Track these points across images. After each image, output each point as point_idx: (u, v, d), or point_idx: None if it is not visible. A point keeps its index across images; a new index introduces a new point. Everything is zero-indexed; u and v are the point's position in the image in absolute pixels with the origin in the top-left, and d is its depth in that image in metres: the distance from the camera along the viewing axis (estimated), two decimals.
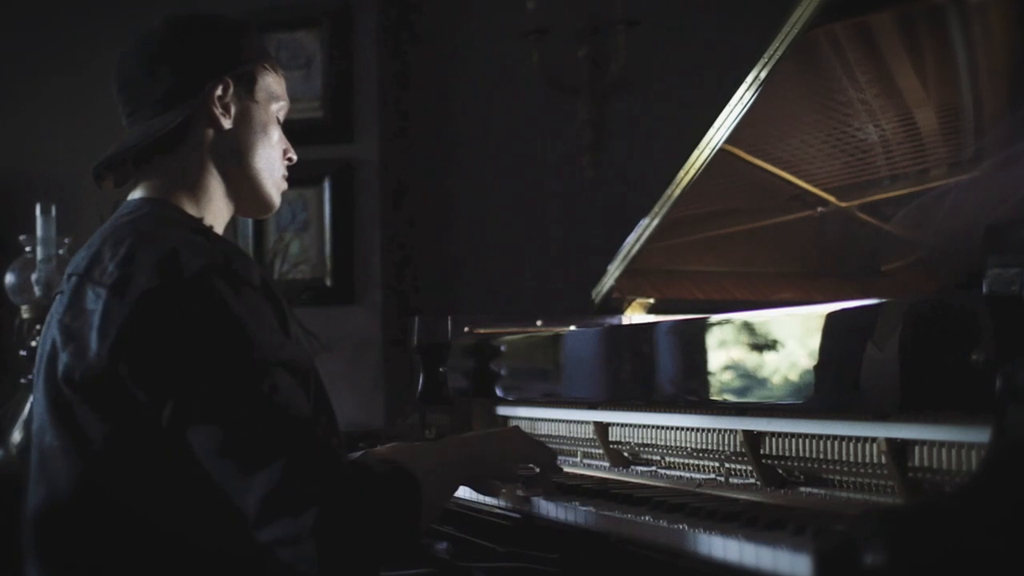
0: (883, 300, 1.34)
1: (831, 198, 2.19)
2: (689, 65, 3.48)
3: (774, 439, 1.55)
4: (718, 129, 2.06)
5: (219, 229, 1.68)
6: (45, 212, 3.13)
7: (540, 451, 1.75)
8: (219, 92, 1.65)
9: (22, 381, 3.07)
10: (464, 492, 1.75)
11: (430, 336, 2.36)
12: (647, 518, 1.45)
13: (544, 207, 3.71)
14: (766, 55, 1.90)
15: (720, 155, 2.10)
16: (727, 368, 1.56)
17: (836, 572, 1.06)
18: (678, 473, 1.78)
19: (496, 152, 3.79)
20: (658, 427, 1.78)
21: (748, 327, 1.53)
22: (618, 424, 1.88)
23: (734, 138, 2.07)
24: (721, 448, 1.66)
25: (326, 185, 3.77)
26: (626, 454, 1.91)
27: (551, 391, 2.04)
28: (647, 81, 3.59)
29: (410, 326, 2.40)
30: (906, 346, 1.28)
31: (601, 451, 1.93)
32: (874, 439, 1.39)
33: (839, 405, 1.42)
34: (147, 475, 1.46)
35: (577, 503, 1.60)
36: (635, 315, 2.46)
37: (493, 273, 3.72)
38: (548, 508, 1.64)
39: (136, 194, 1.66)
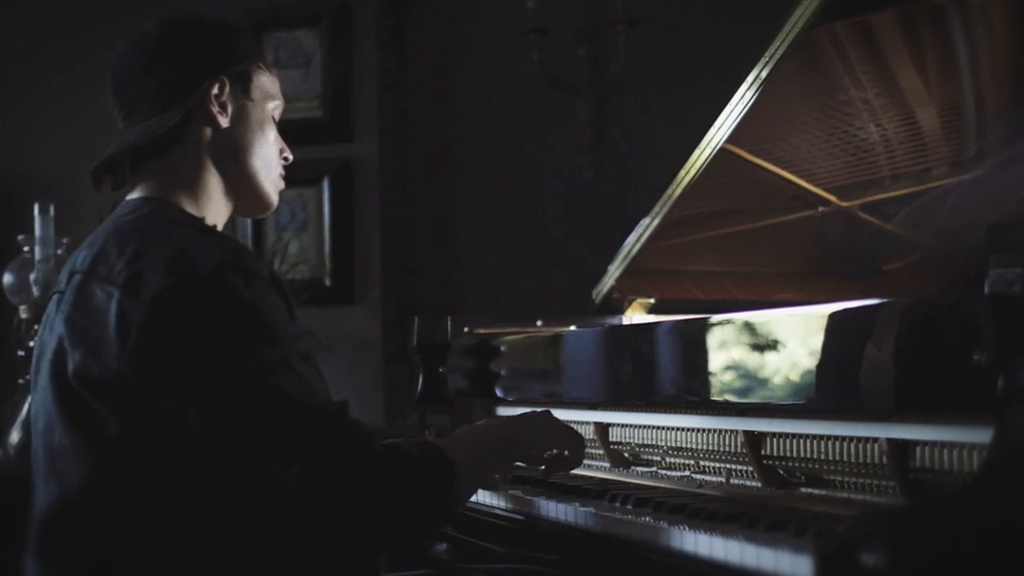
0: (884, 300, 1.34)
1: (832, 198, 2.19)
2: (689, 64, 3.47)
3: (775, 439, 1.55)
4: (719, 128, 2.05)
5: (219, 229, 1.68)
6: (43, 212, 3.12)
7: (572, 437, 1.76)
8: (216, 91, 1.66)
9: (20, 381, 3.07)
10: None
11: (430, 336, 2.35)
12: (647, 519, 1.45)
13: (544, 207, 3.71)
14: (767, 54, 1.90)
15: (721, 154, 2.10)
16: (728, 368, 1.56)
17: (837, 573, 1.06)
18: (679, 474, 1.77)
19: (496, 152, 3.79)
20: (658, 428, 1.78)
21: (749, 327, 1.53)
22: (618, 424, 1.88)
23: (735, 137, 2.06)
24: (722, 449, 1.65)
25: (325, 184, 3.76)
26: (626, 455, 1.90)
27: (551, 391, 2.04)
28: (647, 80, 3.59)
29: (410, 326, 2.40)
30: (907, 346, 1.28)
31: (601, 451, 1.92)
32: (875, 440, 1.38)
33: (840, 405, 1.42)
34: (160, 474, 1.47)
35: (577, 504, 1.59)
36: (635, 315, 2.46)
37: (493, 273, 3.72)
38: (548, 509, 1.64)
39: (135, 194, 1.67)
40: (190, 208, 1.65)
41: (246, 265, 1.50)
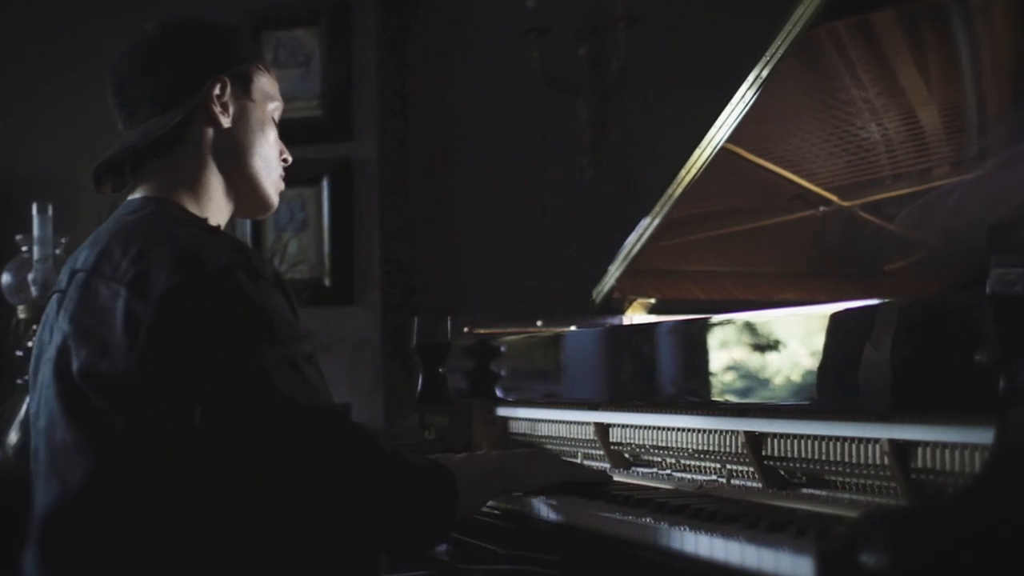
0: (886, 300, 1.33)
1: (833, 197, 2.18)
2: (690, 64, 3.47)
3: (776, 440, 1.54)
4: (719, 128, 2.05)
5: (221, 229, 1.68)
6: (42, 212, 3.12)
7: (575, 474, 1.76)
8: (217, 91, 1.67)
9: (19, 382, 3.06)
10: None
11: (430, 336, 2.35)
12: (648, 520, 1.44)
13: (544, 207, 3.71)
14: (768, 53, 1.90)
15: (721, 154, 2.09)
16: (729, 369, 1.56)
17: (838, 574, 1.05)
18: (679, 474, 1.77)
19: (496, 151, 3.79)
20: (659, 428, 1.77)
21: (750, 327, 1.52)
22: (619, 425, 1.87)
23: (736, 137, 2.06)
24: (723, 449, 1.65)
25: (324, 184, 3.76)
26: (627, 455, 1.90)
27: (551, 392, 2.04)
28: (648, 80, 3.59)
29: (409, 326, 2.40)
30: (908, 346, 1.28)
31: (602, 452, 1.92)
32: (876, 440, 1.38)
33: (841, 406, 1.41)
34: (162, 472, 1.47)
35: (578, 505, 1.59)
36: (636, 315, 2.46)
37: (493, 273, 3.71)
38: (548, 510, 1.64)
39: (137, 194, 1.68)
40: (192, 208, 1.66)
41: (252, 265, 1.50)
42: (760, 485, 1.59)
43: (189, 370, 1.45)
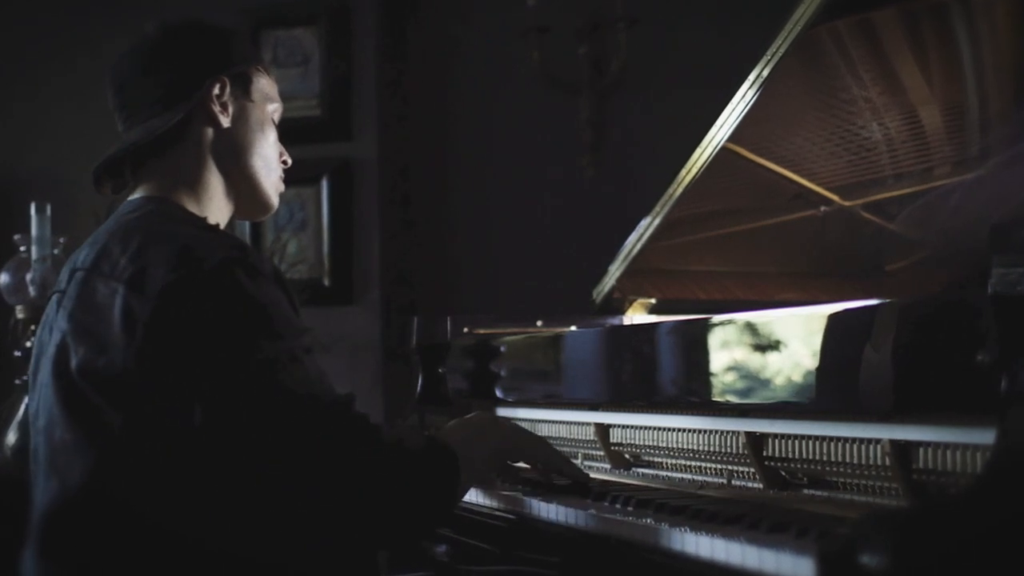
0: (886, 300, 1.33)
1: (834, 197, 2.18)
2: (690, 63, 3.46)
3: (777, 441, 1.54)
4: (720, 127, 2.05)
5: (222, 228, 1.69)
6: (40, 211, 3.11)
7: (556, 461, 1.77)
8: (217, 91, 1.68)
9: (17, 382, 3.05)
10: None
11: (429, 336, 2.35)
12: (649, 520, 1.44)
13: (544, 206, 3.70)
14: (768, 53, 1.90)
15: (722, 154, 2.09)
16: (729, 369, 1.55)
17: (839, 575, 1.05)
18: (680, 475, 1.76)
19: (496, 151, 3.78)
20: (660, 429, 1.77)
21: (751, 328, 1.52)
22: (619, 426, 1.87)
23: (736, 136, 2.06)
24: (723, 450, 1.65)
25: (324, 184, 3.76)
26: (627, 456, 1.89)
27: (551, 392, 2.03)
28: (648, 79, 3.58)
29: (409, 326, 2.39)
30: (909, 347, 1.27)
31: (602, 453, 1.92)
32: (878, 441, 1.37)
33: (842, 406, 1.41)
34: (161, 470, 1.47)
35: (578, 505, 1.59)
36: (636, 315, 2.45)
37: (493, 273, 3.71)
38: (548, 511, 1.63)
39: (137, 194, 1.69)
40: (192, 208, 1.67)
41: (250, 261, 1.51)
42: (761, 486, 1.58)
43: (187, 366, 1.45)
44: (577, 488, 1.70)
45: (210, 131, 1.68)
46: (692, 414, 1.70)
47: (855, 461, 1.41)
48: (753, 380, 1.52)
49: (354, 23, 3.78)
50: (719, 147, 2.08)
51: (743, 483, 1.63)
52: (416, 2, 3.87)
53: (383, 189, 3.77)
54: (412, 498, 1.51)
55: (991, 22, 1.83)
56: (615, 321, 2.42)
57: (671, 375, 1.72)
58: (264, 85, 1.75)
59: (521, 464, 1.79)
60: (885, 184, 2.12)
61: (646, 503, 1.52)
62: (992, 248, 1.16)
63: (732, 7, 3.32)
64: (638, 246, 2.33)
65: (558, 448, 1.85)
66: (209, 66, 1.68)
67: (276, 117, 1.77)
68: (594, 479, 1.84)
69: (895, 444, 1.34)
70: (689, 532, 1.33)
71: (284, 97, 1.81)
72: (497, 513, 1.75)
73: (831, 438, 1.45)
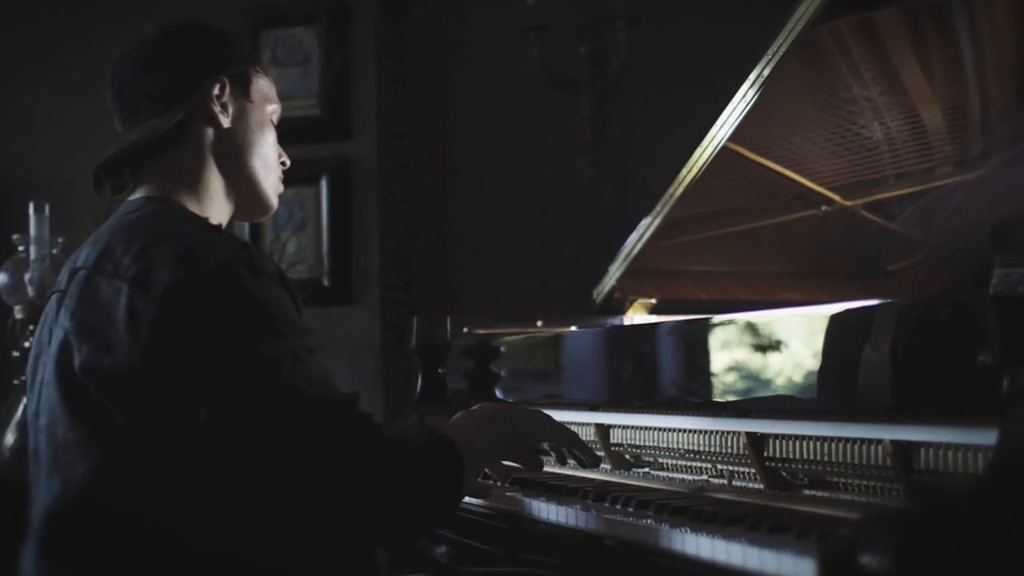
0: (887, 300, 1.33)
1: (835, 197, 2.18)
2: (691, 62, 3.46)
3: (778, 441, 1.54)
4: (721, 127, 2.05)
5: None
6: (38, 211, 3.11)
7: (564, 435, 1.76)
8: (217, 91, 1.69)
9: (15, 382, 3.05)
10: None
11: (429, 337, 2.35)
12: (649, 521, 1.44)
13: (544, 206, 3.70)
14: (769, 52, 1.89)
15: (723, 153, 2.09)
16: (730, 369, 1.55)
17: (840, 575, 1.04)
18: (680, 476, 1.76)
19: (495, 150, 3.78)
20: (660, 429, 1.77)
21: (751, 328, 1.52)
22: (619, 426, 1.87)
23: (737, 136, 2.06)
24: (724, 450, 1.64)
25: (323, 183, 3.75)
26: (627, 456, 1.89)
27: (551, 392, 2.03)
28: (648, 78, 3.58)
29: (409, 326, 2.39)
30: (910, 347, 1.27)
31: (602, 453, 1.91)
32: (879, 441, 1.37)
33: (843, 407, 1.41)
34: (164, 469, 1.47)
35: (578, 506, 1.58)
36: (637, 315, 2.45)
37: (493, 273, 3.71)
38: (549, 511, 1.63)
39: (137, 194, 1.69)
40: (193, 208, 1.67)
41: (254, 261, 1.51)
42: (762, 486, 1.58)
43: (192, 365, 1.45)
44: (579, 489, 1.70)
45: (210, 131, 1.69)
46: (693, 414, 1.70)
47: (856, 462, 1.41)
48: (754, 380, 1.51)
49: (353, 22, 3.78)
50: (720, 147, 2.08)
51: (744, 483, 1.63)
52: (416, 1, 3.87)
53: (383, 189, 3.76)
54: (417, 495, 1.52)
55: (992, 22, 1.83)
56: (615, 321, 2.42)
57: (671, 375, 1.72)
58: (263, 86, 1.75)
59: (512, 464, 1.78)
60: (886, 184, 2.12)
61: (647, 504, 1.52)
62: (993, 248, 1.16)
63: (732, 6, 3.32)
64: (638, 246, 2.33)
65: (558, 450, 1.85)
66: (209, 66, 1.69)
67: (275, 118, 1.78)
68: (594, 479, 1.84)
69: (896, 445, 1.34)
70: (690, 533, 1.33)
71: (283, 97, 1.82)
72: (497, 513, 1.75)
73: (832, 438, 1.45)
